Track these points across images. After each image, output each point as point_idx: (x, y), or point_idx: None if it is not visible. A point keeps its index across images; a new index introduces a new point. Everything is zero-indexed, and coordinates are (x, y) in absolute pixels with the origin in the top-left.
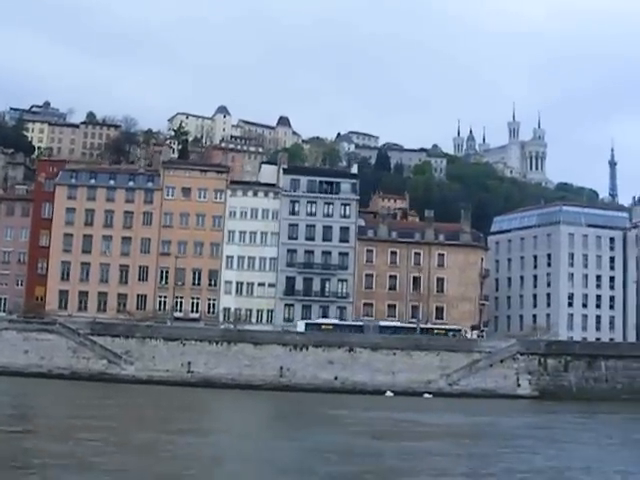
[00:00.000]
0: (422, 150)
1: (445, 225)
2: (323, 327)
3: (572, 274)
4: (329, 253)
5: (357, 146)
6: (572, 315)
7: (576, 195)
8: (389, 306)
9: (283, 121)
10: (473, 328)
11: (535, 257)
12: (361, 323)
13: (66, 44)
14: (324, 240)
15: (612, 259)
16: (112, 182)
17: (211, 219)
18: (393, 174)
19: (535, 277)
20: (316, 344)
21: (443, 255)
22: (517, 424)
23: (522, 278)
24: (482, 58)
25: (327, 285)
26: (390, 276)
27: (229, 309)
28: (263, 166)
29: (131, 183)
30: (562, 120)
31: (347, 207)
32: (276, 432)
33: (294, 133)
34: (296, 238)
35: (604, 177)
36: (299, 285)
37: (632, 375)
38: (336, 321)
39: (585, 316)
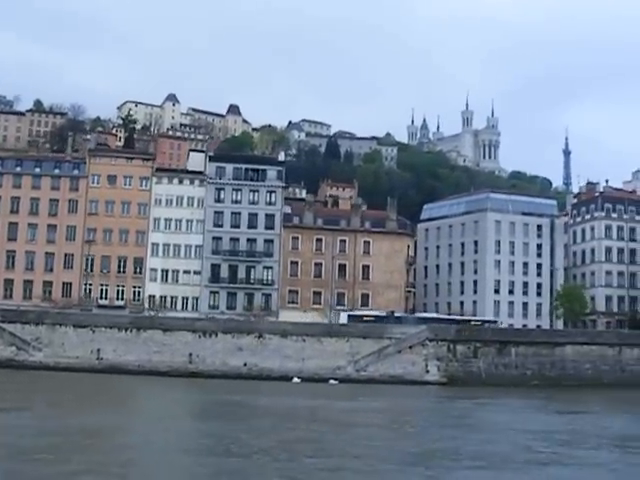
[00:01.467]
0: (373, 138)
1: (372, 212)
2: (365, 319)
3: (499, 261)
4: (254, 240)
5: (308, 134)
6: (499, 302)
7: (529, 183)
8: (314, 293)
9: (233, 109)
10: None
11: (463, 244)
12: (400, 315)
13: (14, 29)
14: (249, 227)
15: (539, 246)
16: (38, 170)
17: (136, 207)
18: (343, 162)
19: (462, 264)
20: (225, 330)
21: (369, 242)
22: (369, 407)
23: (450, 265)
24: (436, 44)
25: (252, 272)
26: (315, 263)
27: (154, 296)
28: (191, 154)
29: (57, 171)
30: (516, 108)
31: (273, 194)
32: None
33: (244, 121)
34: (221, 226)
35: (558, 166)
36: (224, 272)
37: (541, 362)
38: (377, 313)
39: (512, 303)
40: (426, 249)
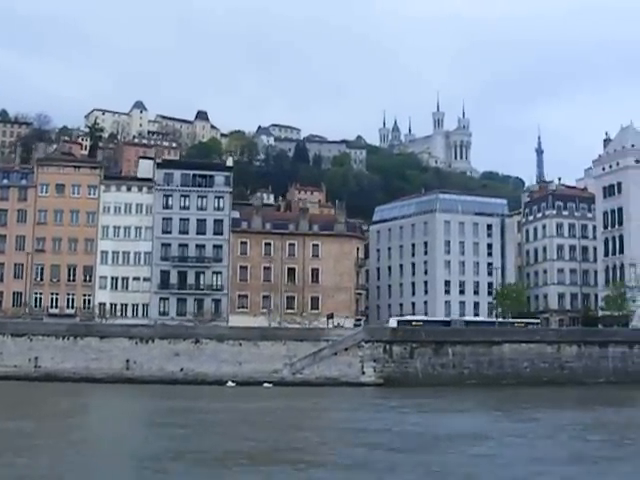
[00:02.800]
0: (343, 142)
1: (320, 215)
2: (414, 323)
3: (449, 261)
4: (203, 246)
5: (277, 139)
6: (449, 302)
7: (502, 184)
8: (264, 297)
9: (201, 115)
10: (357, 320)
11: (413, 245)
12: (449, 319)
13: None
14: (198, 233)
15: (490, 245)
16: None
17: (85, 215)
18: (311, 166)
19: (413, 265)
20: (162, 336)
21: (317, 245)
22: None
23: (401, 267)
24: (406, 45)
25: (202, 278)
26: (265, 268)
27: (104, 304)
28: (140, 161)
29: (5, 181)
30: (487, 108)
31: (221, 200)
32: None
33: (213, 127)
34: (170, 232)
35: (531, 164)
36: (174, 279)
37: (479, 360)
38: (425, 317)
39: (462, 303)
40: (378, 251)
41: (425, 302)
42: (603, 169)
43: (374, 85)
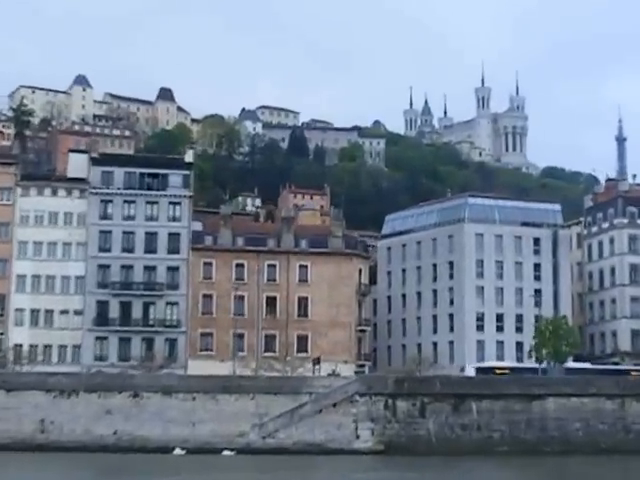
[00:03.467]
0: (354, 129)
1: (309, 227)
2: (498, 371)
3: (482, 288)
4: (153, 268)
5: (267, 125)
6: (482, 343)
7: (569, 183)
8: (235, 336)
9: (165, 94)
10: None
11: (435, 266)
12: (544, 366)
13: None
14: (147, 251)
15: (537, 266)
16: None
17: None
18: (312, 161)
19: (435, 293)
20: (90, 388)
21: (306, 267)
22: None
23: (419, 295)
24: (437, 6)
25: (152, 311)
26: (236, 297)
27: (21, 346)
28: (70, 155)
29: None
30: (547, 83)
31: (177, 207)
32: None
33: (180, 110)
34: (109, 250)
35: (609, 157)
36: (114, 312)
37: (513, 420)
38: (512, 364)
39: (500, 343)
40: (389, 274)
41: (450, 342)
42: None
43: (396, 54)
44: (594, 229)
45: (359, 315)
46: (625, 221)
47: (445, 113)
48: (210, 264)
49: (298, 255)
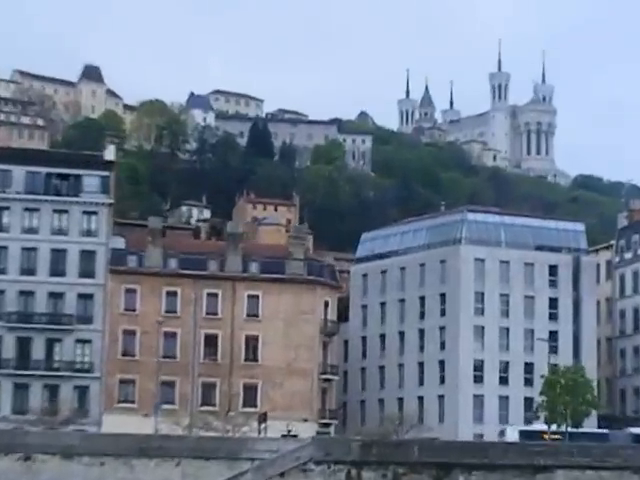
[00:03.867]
0: (333, 122)
1: (262, 247)
2: (548, 437)
3: (482, 328)
4: (60, 296)
5: (222, 116)
6: (481, 398)
7: (607, 196)
8: (165, 384)
9: (90, 73)
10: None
11: (422, 299)
12: (606, 431)
13: None
14: (53, 274)
15: (553, 302)
16: None
17: None
18: (278, 162)
19: (422, 333)
20: None
21: (257, 297)
22: None
23: (402, 335)
24: None
25: (57, 350)
26: (166, 334)
27: None
28: None
29: None
30: (582, 71)
31: (93, 217)
32: None
33: (110, 93)
34: (4, 271)
35: None
36: (9, 350)
37: None
38: (569, 429)
39: (505, 399)
40: (364, 308)
41: (440, 397)
42: None
43: (390, 29)
44: (628, 255)
45: (324, 360)
46: None
47: (451, 105)
48: (134, 291)
49: (247, 282)
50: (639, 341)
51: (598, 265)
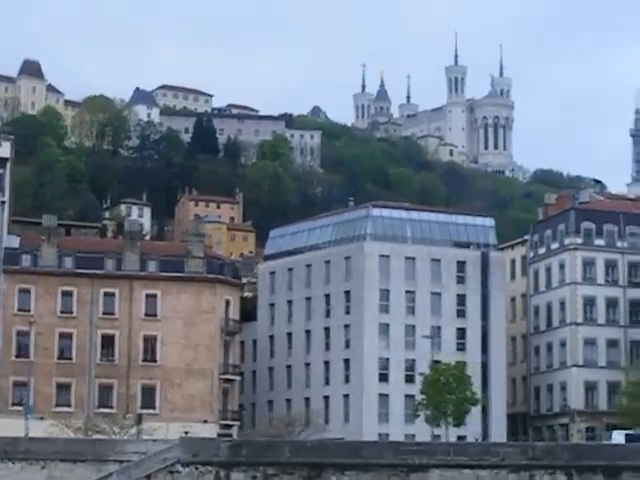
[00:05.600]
0: (282, 117)
1: (160, 246)
2: None
3: (387, 326)
4: None
5: (168, 111)
6: (387, 397)
7: (566, 189)
8: (60, 387)
9: (30, 69)
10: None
11: (328, 297)
12: None
13: None
14: None
15: (461, 298)
16: None
17: None
18: (223, 159)
19: (327, 332)
20: None
21: (155, 297)
22: None
23: (309, 334)
24: None
25: None
26: (62, 335)
27: None
28: None
29: None
30: (541, 63)
31: None
32: None
33: (51, 89)
34: None
35: (623, 157)
36: None
37: None
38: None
39: (411, 397)
40: (271, 307)
41: (345, 396)
42: None
43: (346, 21)
44: (541, 251)
45: (225, 360)
46: (579, 241)
47: (408, 99)
48: (27, 291)
49: (145, 281)
50: (552, 337)
51: (514, 261)
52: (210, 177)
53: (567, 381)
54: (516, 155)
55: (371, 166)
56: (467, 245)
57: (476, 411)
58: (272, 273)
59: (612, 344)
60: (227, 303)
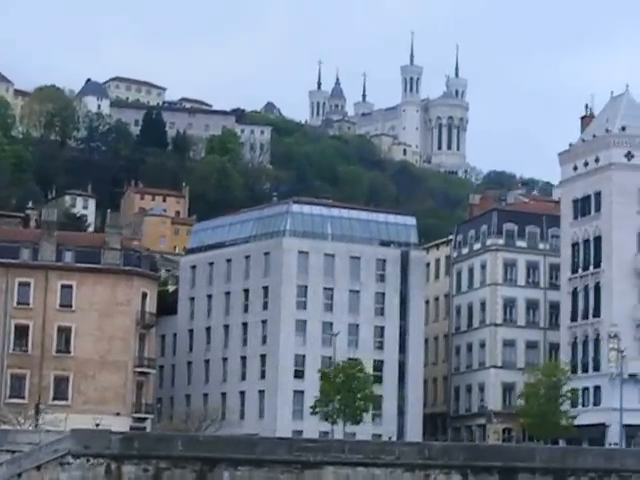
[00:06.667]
0: (234, 112)
1: (77, 237)
2: None
3: (304, 322)
4: None
5: (117, 103)
6: (302, 394)
7: (491, 190)
8: None
9: None
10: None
11: (247, 292)
12: None
13: None
14: None
15: (381, 297)
16: None
17: None
18: (171, 152)
19: (245, 327)
20: None
21: (71, 288)
22: None
23: (227, 329)
24: None
25: None
26: None
27: None
28: None
29: None
30: (497, 64)
31: None
32: None
33: (1, 78)
34: None
35: None
36: None
37: None
38: None
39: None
40: (192, 300)
41: (261, 392)
42: (575, 168)
43: (303, 17)
44: (464, 251)
45: (140, 353)
46: (500, 242)
47: (364, 97)
48: None
49: (60, 271)
50: (473, 338)
51: (438, 260)
52: (157, 170)
53: (485, 382)
54: (470, 156)
55: (321, 163)
56: (388, 243)
57: (392, 410)
58: (193, 267)
59: (531, 346)
60: (144, 296)
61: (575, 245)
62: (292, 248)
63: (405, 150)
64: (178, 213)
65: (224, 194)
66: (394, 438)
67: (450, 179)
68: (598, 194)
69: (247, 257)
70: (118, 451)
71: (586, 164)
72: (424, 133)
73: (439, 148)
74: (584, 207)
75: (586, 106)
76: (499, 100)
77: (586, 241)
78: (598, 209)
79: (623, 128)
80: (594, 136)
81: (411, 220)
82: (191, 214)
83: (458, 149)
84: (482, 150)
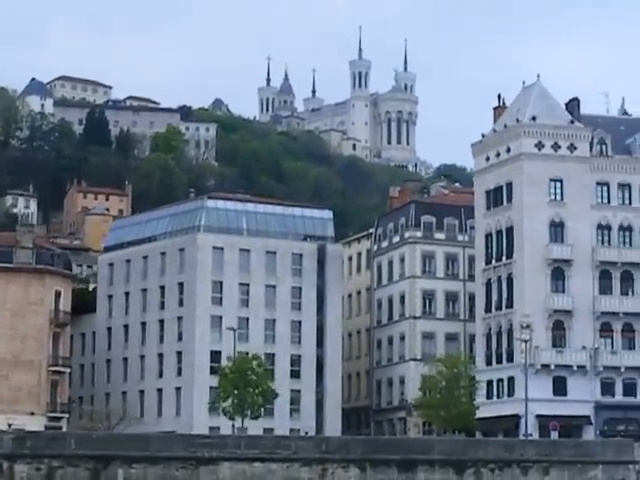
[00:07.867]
0: (179, 110)
1: None
2: None
3: (220, 318)
4: None
5: (61, 103)
6: (219, 390)
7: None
8: None
9: None
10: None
11: (162, 289)
12: None
13: None
14: None
15: (297, 291)
16: None
17: None
18: (114, 151)
19: (162, 324)
20: None
21: None
22: None
23: (144, 326)
24: None
25: None
26: None
27: None
28: None
29: None
30: (447, 57)
31: None
32: None
33: None
34: None
35: None
36: None
37: None
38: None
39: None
40: (110, 298)
41: (177, 389)
42: (487, 159)
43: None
44: (384, 244)
45: (54, 352)
46: (418, 234)
47: (313, 93)
48: None
49: None
50: (393, 331)
51: (360, 254)
52: (101, 169)
53: (405, 375)
54: (420, 150)
55: (268, 160)
56: (304, 238)
57: (310, 405)
58: (111, 264)
59: (451, 338)
60: (57, 294)
61: (488, 236)
62: (207, 244)
63: (354, 145)
64: (121, 212)
65: (167, 192)
66: (312, 433)
67: (399, 173)
68: (509, 184)
69: (163, 254)
70: (10, 450)
71: (498, 155)
72: (373, 128)
73: (389, 142)
74: (496, 198)
75: (499, 96)
76: (449, 93)
77: (499, 232)
78: (510, 199)
79: (534, 118)
80: (505, 126)
81: (327, 214)
82: (134, 212)
83: (408, 143)
84: (433, 144)
